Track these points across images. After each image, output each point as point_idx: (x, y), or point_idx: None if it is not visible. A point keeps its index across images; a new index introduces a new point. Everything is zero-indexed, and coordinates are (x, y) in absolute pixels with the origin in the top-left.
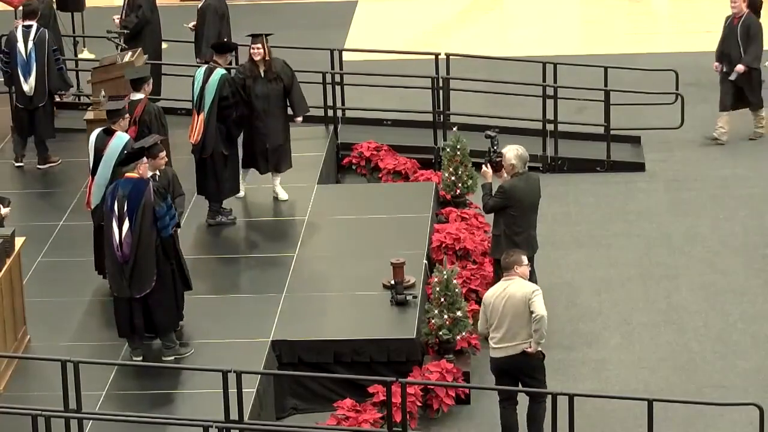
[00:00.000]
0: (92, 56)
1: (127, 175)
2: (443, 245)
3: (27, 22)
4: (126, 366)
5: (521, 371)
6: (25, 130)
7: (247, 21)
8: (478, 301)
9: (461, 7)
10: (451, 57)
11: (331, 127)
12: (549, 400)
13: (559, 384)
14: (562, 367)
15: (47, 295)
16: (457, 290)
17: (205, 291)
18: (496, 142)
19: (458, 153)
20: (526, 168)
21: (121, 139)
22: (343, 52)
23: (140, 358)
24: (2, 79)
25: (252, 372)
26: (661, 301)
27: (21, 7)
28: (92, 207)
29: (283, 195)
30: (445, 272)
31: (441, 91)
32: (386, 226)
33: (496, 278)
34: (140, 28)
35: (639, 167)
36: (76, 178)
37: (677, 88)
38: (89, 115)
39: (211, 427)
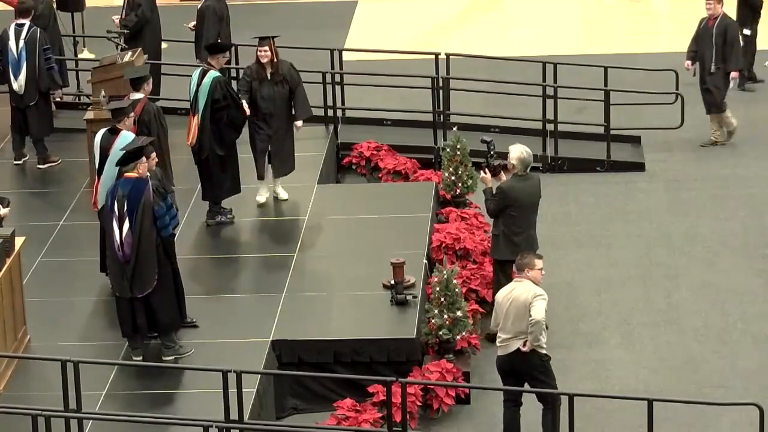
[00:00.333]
0: (92, 56)
1: (127, 175)
2: (443, 245)
3: (20, 21)
4: (126, 366)
5: (522, 371)
6: (19, 128)
7: (247, 21)
8: (478, 301)
9: (461, 7)
10: (451, 57)
11: (331, 127)
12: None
13: (559, 384)
14: (562, 367)
15: (47, 295)
16: (457, 290)
17: (206, 291)
18: (492, 147)
19: (458, 153)
20: (527, 171)
21: (126, 138)
22: (343, 52)
23: (140, 358)
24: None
25: (252, 372)
26: (661, 301)
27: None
28: (99, 207)
29: (283, 195)
30: (445, 272)
31: (441, 91)
32: (386, 226)
33: (496, 278)
34: (140, 28)
35: (639, 167)
36: (76, 178)
37: (677, 88)
38: (89, 115)
39: (211, 427)
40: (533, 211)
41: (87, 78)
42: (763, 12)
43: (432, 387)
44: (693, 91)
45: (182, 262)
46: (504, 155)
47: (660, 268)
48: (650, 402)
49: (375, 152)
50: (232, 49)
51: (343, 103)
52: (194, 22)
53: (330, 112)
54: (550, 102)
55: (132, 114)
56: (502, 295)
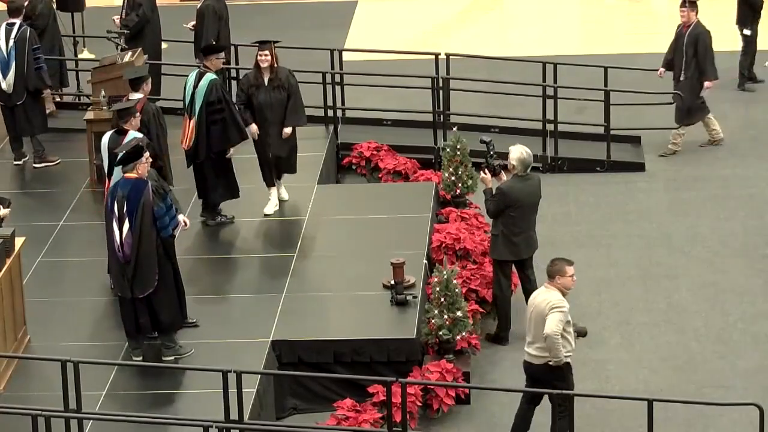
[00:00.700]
0: (92, 56)
1: (126, 175)
2: (443, 245)
3: (11, 20)
4: (126, 366)
5: (540, 377)
6: (9, 127)
7: (247, 21)
8: (478, 302)
9: (461, 7)
10: (451, 57)
11: (331, 127)
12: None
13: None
14: None
15: (47, 295)
16: (457, 290)
17: (206, 291)
18: (491, 147)
19: (458, 153)
20: (527, 171)
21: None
22: (343, 52)
23: (140, 358)
24: None
25: (252, 372)
26: (661, 301)
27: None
28: None
29: (284, 195)
30: (445, 272)
31: (441, 91)
32: (386, 226)
33: (496, 278)
34: (140, 28)
35: (639, 167)
36: (76, 178)
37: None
38: (89, 115)
39: (211, 427)
40: (533, 212)
41: (87, 78)
42: (763, 12)
43: (432, 387)
44: None
45: (182, 262)
46: (504, 155)
47: (660, 268)
48: (650, 402)
49: (375, 152)
50: (232, 49)
51: (343, 103)
52: (194, 22)
53: (330, 112)
54: (550, 102)
55: (138, 114)
56: (529, 300)
